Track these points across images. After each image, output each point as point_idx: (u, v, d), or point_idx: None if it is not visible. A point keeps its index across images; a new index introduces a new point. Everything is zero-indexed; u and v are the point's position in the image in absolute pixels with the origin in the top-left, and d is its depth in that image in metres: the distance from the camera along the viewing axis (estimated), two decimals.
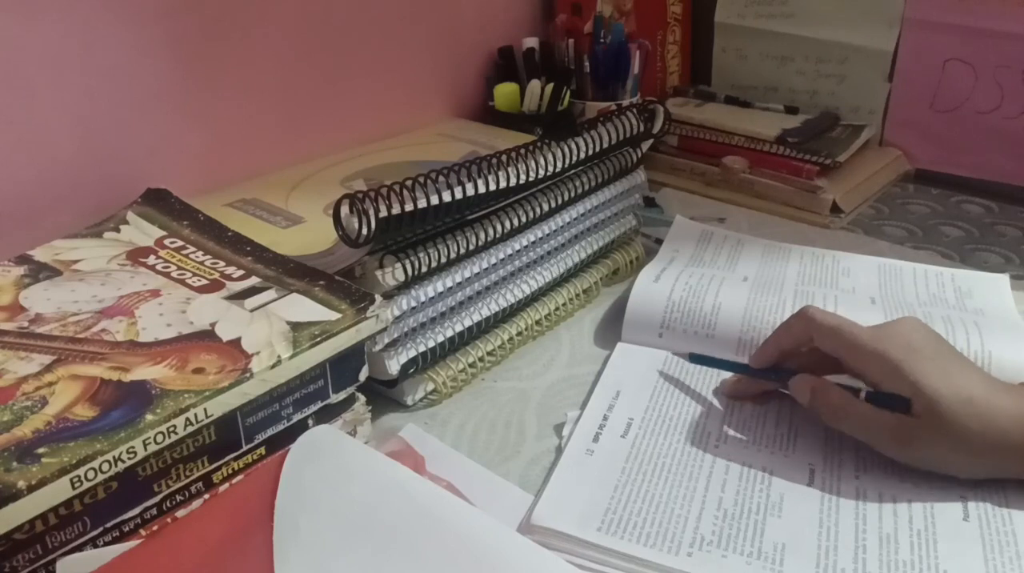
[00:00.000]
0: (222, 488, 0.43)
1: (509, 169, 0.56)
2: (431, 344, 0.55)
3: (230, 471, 0.44)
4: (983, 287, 0.65)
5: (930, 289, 0.65)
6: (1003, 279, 0.66)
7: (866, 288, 0.65)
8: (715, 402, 0.54)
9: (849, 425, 0.47)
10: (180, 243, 0.54)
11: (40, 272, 0.50)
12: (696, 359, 0.57)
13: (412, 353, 0.54)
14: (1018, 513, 0.45)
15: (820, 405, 0.49)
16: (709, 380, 0.56)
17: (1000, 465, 0.45)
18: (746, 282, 0.64)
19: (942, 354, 0.47)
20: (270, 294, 0.49)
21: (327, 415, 0.48)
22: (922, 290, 0.65)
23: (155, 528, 0.41)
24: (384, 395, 0.55)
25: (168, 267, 0.52)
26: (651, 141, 0.70)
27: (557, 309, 0.65)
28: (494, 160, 0.56)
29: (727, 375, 0.56)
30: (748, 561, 0.42)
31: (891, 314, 0.58)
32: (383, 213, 0.49)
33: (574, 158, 0.61)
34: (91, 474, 0.36)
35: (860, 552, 0.43)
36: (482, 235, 0.56)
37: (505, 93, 0.85)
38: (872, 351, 0.46)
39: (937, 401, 0.44)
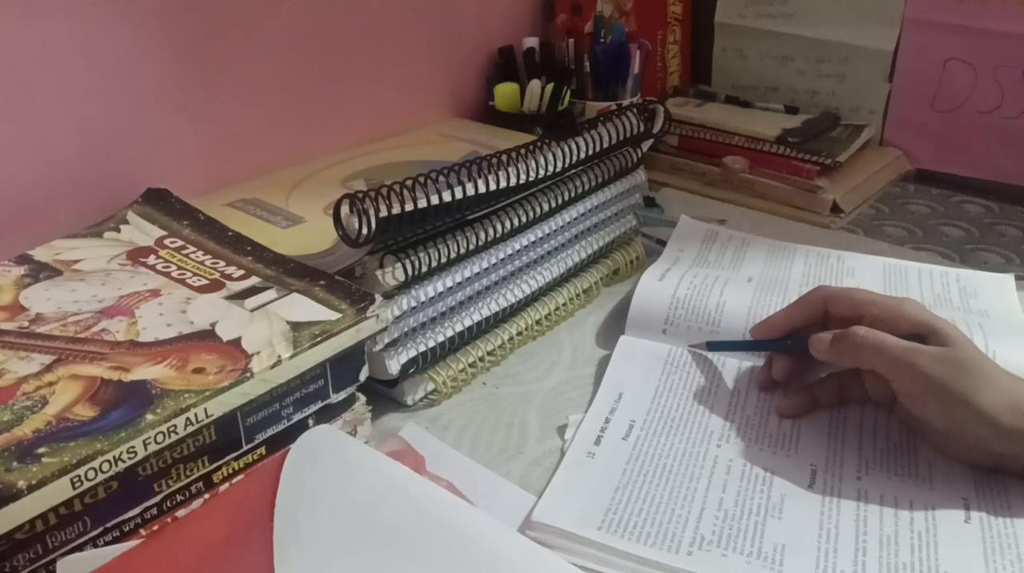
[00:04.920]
0: (222, 488, 0.43)
1: (509, 169, 0.56)
2: (431, 344, 0.55)
3: (230, 471, 0.44)
4: (988, 287, 0.65)
5: (935, 289, 0.65)
6: (1008, 279, 0.66)
7: (870, 289, 0.64)
8: (718, 401, 0.54)
9: (881, 359, 0.47)
10: (180, 243, 0.54)
11: (40, 272, 0.50)
12: (714, 347, 0.58)
13: (412, 353, 0.54)
14: (1020, 516, 0.45)
15: (847, 347, 0.48)
16: (713, 376, 0.56)
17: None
18: (751, 282, 0.64)
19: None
20: (270, 294, 0.49)
21: (327, 415, 0.48)
22: (927, 290, 0.65)
23: (155, 528, 0.41)
24: (384, 395, 0.55)
25: (168, 267, 0.51)
26: (651, 141, 0.70)
27: (557, 309, 0.65)
28: (494, 160, 0.56)
29: (731, 369, 0.56)
30: (748, 561, 0.42)
31: None
32: (383, 213, 0.49)
33: (574, 158, 0.61)
34: (91, 474, 0.36)
35: (860, 554, 0.43)
36: (482, 235, 0.56)
37: (505, 93, 0.85)
38: (887, 300, 0.51)
39: (955, 337, 0.46)
